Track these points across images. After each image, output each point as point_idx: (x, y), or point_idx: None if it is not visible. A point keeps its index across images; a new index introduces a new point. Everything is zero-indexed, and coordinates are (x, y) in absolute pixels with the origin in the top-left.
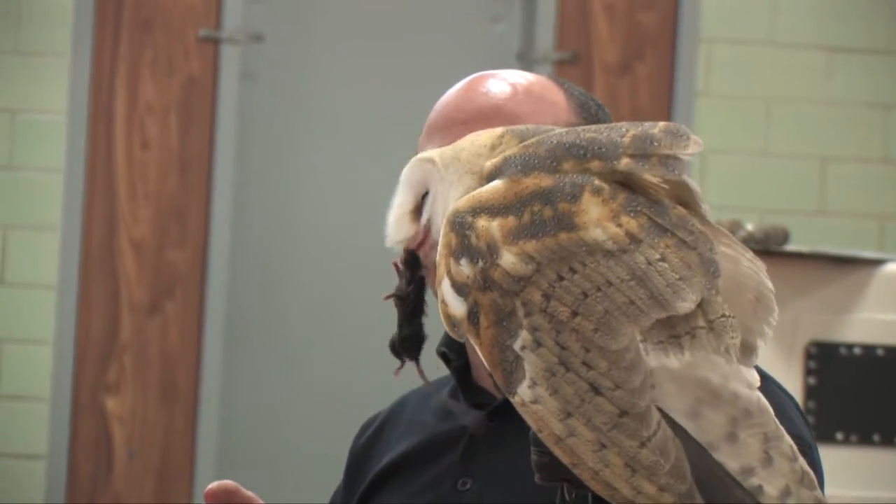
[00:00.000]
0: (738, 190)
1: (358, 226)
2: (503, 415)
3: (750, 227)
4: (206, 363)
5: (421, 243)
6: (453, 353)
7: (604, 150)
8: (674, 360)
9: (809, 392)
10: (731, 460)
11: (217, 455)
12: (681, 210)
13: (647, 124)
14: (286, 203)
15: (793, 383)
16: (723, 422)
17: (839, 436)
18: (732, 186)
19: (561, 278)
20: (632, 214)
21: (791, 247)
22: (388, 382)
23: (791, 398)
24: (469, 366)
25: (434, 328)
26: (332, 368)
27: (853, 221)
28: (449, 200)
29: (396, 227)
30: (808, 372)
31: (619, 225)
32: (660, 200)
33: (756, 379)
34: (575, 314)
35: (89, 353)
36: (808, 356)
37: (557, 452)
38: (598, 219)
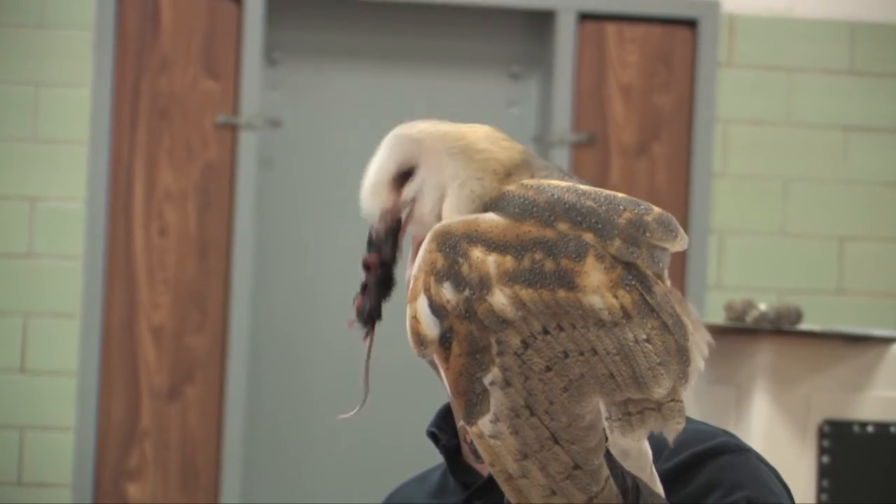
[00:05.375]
0: (756, 270)
1: None
2: (489, 492)
3: (763, 306)
4: (227, 448)
5: (400, 217)
6: (444, 433)
7: (600, 225)
8: (629, 441)
9: (824, 471)
10: None
11: None
12: (663, 286)
13: (642, 207)
14: (305, 287)
15: (807, 462)
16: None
17: None
18: (750, 266)
19: (546, 332)
20: (627, 289)
21: (803, 326)
22: (409, 464)
23: (772, 469)
24: (459, 446)
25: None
26: (355, 452)
27: (871, 300)
28: (446, 189)
29: (374, 193)
30: (822, 451)
31: (616, 297)
32: (646, 275)
33: None
34: (548, 369)
35: (110, 439)
36: (822, 435)
37: (506, 490)
38: (597, 285)
